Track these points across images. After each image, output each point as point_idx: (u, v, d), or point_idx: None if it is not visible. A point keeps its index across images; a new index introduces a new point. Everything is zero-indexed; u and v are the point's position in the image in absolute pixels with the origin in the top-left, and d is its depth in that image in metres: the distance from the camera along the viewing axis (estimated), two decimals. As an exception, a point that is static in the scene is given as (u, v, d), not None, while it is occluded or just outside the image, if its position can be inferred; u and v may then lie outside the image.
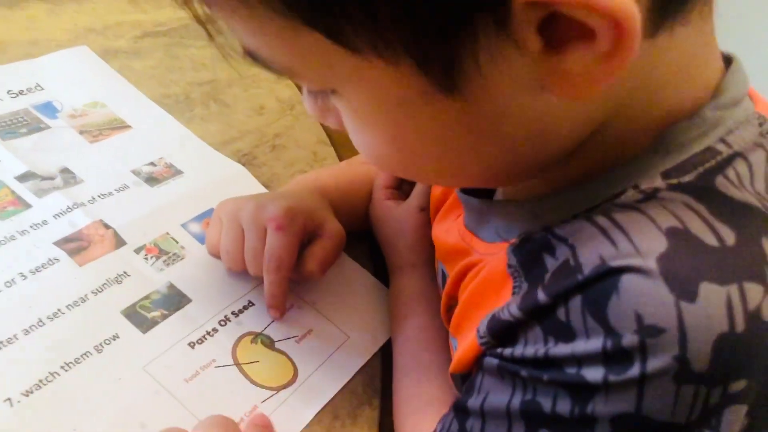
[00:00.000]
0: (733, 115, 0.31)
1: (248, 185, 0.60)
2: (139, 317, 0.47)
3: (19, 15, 0.69)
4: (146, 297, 0.48)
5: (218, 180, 0.60)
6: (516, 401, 0.31)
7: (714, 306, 0.26)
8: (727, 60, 0.34)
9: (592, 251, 0.29)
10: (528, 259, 0.33)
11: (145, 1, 0.78)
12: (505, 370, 0.32)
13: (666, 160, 0.31)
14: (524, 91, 0.28)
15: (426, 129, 0.30)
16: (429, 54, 0.26)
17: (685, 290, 0.26)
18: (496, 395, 0.33)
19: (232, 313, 0.49)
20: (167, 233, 0.53)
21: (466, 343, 0.36)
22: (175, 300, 0.49)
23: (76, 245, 0.50)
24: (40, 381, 0.41)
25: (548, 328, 0.30)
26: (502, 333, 0.33)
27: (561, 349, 0.29)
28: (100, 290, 0.47)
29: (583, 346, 0.28)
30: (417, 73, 0.27)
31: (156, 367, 0.44)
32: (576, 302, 0.28)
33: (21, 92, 0.61)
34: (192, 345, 0.46)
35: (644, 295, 0.26)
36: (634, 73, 0.28)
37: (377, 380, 0.49)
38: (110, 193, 0.55)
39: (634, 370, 0.27)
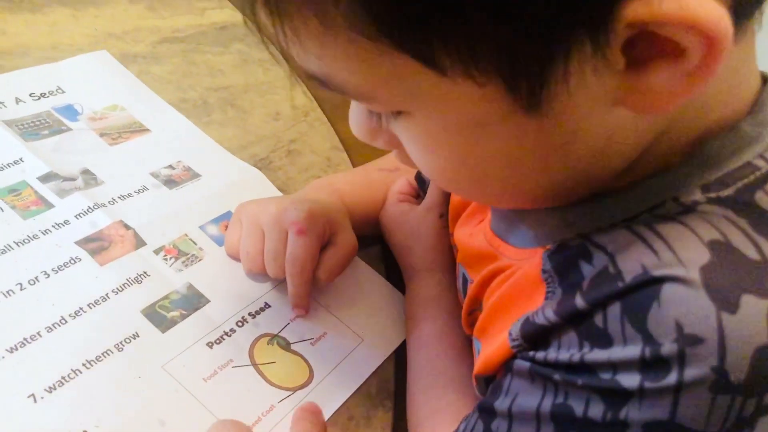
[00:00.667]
0: None
1: (264, 189, 0.61)
2: (158, 317, 0.47)
3: (41, 20, 0.70)
4: (165, 297, 0.49)
5: (235, 183, 0.60)
6: (547, 404, 0.31)
7: (754, 318, 0.26)
8: (764, 78, 0.34)
9: (633, 260, 0.29)
10: (564, 265, 0.33)
11: (163, 8, 0.79)
12: (537, 373, 0.32)
13: (704, 173, 0.31)
14: (599, 107, 0.28)
15: (498, 148, 0.30)
16: (520, 74, 0.26)
17: (726, 301, 0.26)
18: (526, 398, 0.33)
19: (249, 314, 0.50)
20: (186, 235, 0.54)
21: (493, 346, 0.36)
22: (193, 300, 0.49)
23: (97, 245, 0.50)
24: (63, 378, 0.42)
25: (584, 334, 0.30)
26: (535, 336, 0.33)
27: (597, 354, 0.29)
28: (120, 289, 0.48)
29: (620, 352, 0.28)
30: (503, 92, 0.27)
31: (175, 366, 0.45)
32: (615, 309, 0.29)
33: (43, 95, 0.62)
34: (210, 345, 0.47)
35: (685, 305, 0.27)
36: None
37: (391, 383, 0.50)
38: (130, 195, 0.56)
39: (671, 378, 0.27)
